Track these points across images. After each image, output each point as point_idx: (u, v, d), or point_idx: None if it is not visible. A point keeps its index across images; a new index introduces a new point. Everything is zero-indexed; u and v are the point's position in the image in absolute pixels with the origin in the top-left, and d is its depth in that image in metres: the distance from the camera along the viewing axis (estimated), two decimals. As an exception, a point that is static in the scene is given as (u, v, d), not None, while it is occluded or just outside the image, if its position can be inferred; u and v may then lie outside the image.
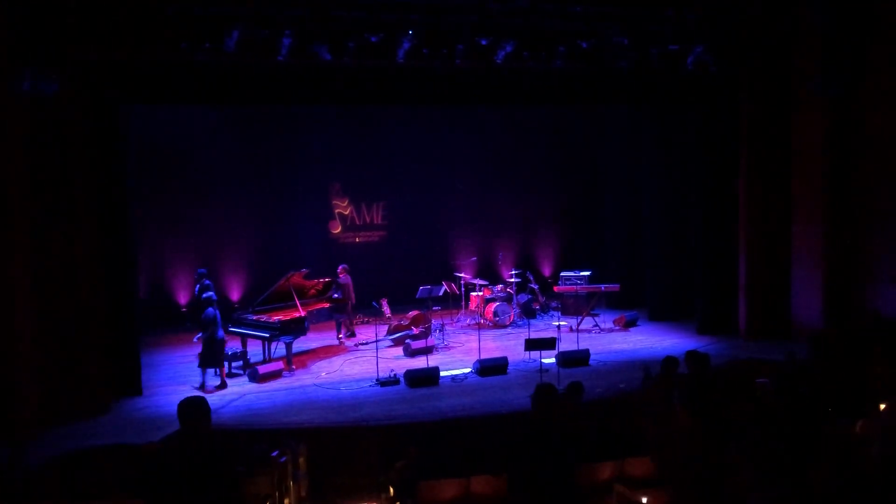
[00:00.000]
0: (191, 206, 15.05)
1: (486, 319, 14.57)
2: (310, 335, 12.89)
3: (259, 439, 8.60)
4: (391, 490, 7.97)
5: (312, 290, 13.03)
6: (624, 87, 12.70)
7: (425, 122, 16.29)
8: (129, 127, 11.23)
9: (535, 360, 11.33)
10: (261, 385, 11.04)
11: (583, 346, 12.17)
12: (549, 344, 10.96)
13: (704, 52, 11.64)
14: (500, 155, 17.11)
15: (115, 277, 10.46)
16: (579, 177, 17.48)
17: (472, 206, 17.06)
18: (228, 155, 15.25)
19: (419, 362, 11.61)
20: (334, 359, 12.54)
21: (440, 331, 13.48)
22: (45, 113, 9.33)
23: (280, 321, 11.71)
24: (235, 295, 15.27)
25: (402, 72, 11.29)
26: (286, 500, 8.13)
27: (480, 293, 14.94)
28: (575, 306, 15.03)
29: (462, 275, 15.07)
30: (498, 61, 11.00)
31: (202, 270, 12.99)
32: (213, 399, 9.63)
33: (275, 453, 8.09)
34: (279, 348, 12.08)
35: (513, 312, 14.69)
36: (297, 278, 12.46)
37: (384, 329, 13.46)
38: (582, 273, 15.03)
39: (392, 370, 11.23)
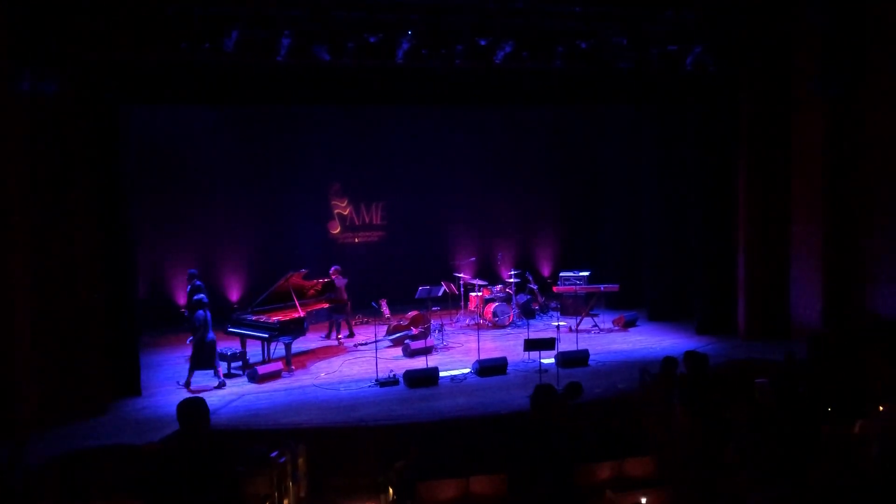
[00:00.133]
0: (190, 206, 15.03)
1: (486, 320, 14.57)
2: (309, 336, 12.90)
3: (258, 440, 8.60)
4: (390, 490, 7.97)
5: (311, 291, 13.02)
6: (623, 87, 12.71)
7: (424, 123, 16.28)
8: (129, 127, 11.23)
9: (534, 361, 11.33)
10: (260, 385, 11.04)
11: (582, 346, 12.17)
12: (548, 344, 10.96)
13: (704, 52, 11.64)
14: (500, 155, 17.10)
15: (114, 277, 10.46)
16: (578, 177, 17.47)
17: (471, 207, 17.04)
18: (228, 155, 15.23)
19: (418, 363, 11.61)
20: (333, 359, 12.54)
21: (439, 331, 13.48)
22: (45, 113, 9.33)
23: (279, 321, 11.70)
24: (234, 295, 15.26)
25: (401, 72, 11.29)
26: (285, 501, 8.14)
27: (479, 293, 14.94)
28: (574, 306, 15.02)
29: (461, 275, 15.07)
30: (497, 61, 11.00)
31: (193, 271, 12.96)
32: (213, 399, 9.62)
33: (274, 454, 8.09)
34: (278, 349, 12.08)
35: (512, 313, 14.69)
36: (296, 279, 12.46)
37: (383, 329, 13.46)
38: (581, 273, 15.03)
39: (391, 370, 11.23)
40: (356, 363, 12.20)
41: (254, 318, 11.99)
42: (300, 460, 8.55)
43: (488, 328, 14.38)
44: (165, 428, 8.89)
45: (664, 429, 7.73)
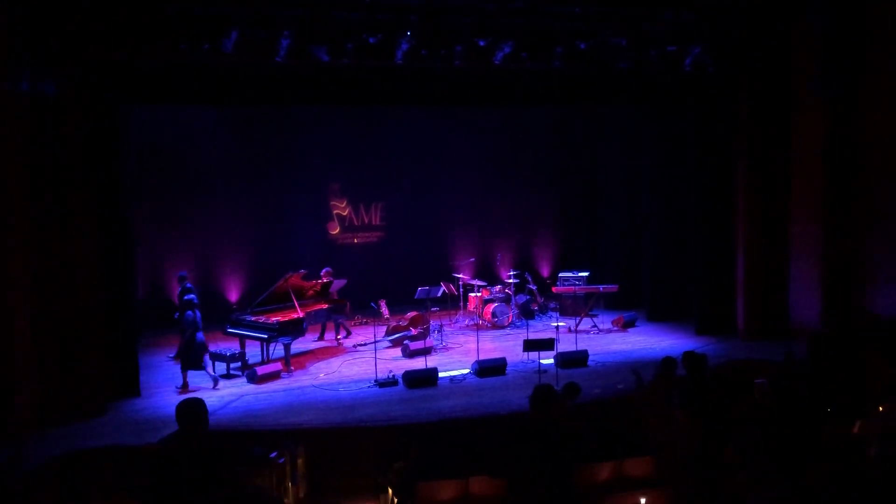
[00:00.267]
0: (190, 206, 15.04)
1: (485, 320, 14.57)
2: (308, 336, 12.90)
3: (258, 440, 8.60)
4: (390, 491, 7.98)
5: (311, 292, 13.02)
6: (622, 87, 12.71)
7: (424, 123, 16.28)
8: (128, 127, 11.23)
9: (533, 361, 11.32)
10: (259, 386, 11.03)
11: (581, 346, 12.17)
12: (547, 345, 10.95)
13: (703, 52, 11.64)
14: (499, 155, 17.10)
15: (114, 277, 10.46)
16: (578, 177, 17.47)
17: (470, 207, 17.05)
18: (227, 155, 15.24)
19: (418, 363, 11.59)
20: (333, 360, 12.53)
21: (439, 332, 13.48)
22: (45, 113, 9.33)
23: (278, 322, 11.70)
24: (234, 296, 15.27)
25: (400, 72, 11.28)
26: (285, 501, 8.14)
27: (479, 294, 14.93)
28: (573, 307, 15.03)
29: (460, 275, 15.06)
30: (496, 62, 11.00)
31: (183, 273, 12.97)
32: (212, 400, 9.61)
33: (273, 454, 8.10)
34: (277, 349, 12.08)
35: (511, 313, 14.69)
36: (295, 279, 12.45)
37: (383, 330, 13.46)
38: (580, 273, 15.03)
39: (390, 371, 11.23)
40: (355, 364, 12.19)
41: (253, 318, 11.98)
42: (299, 461, 8.55)
43: (487, 329, 14.38)
44: (165, 428, 8.87)
45: (664, 429, 7.73)
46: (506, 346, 13.00)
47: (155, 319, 14.26)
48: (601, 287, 14.55)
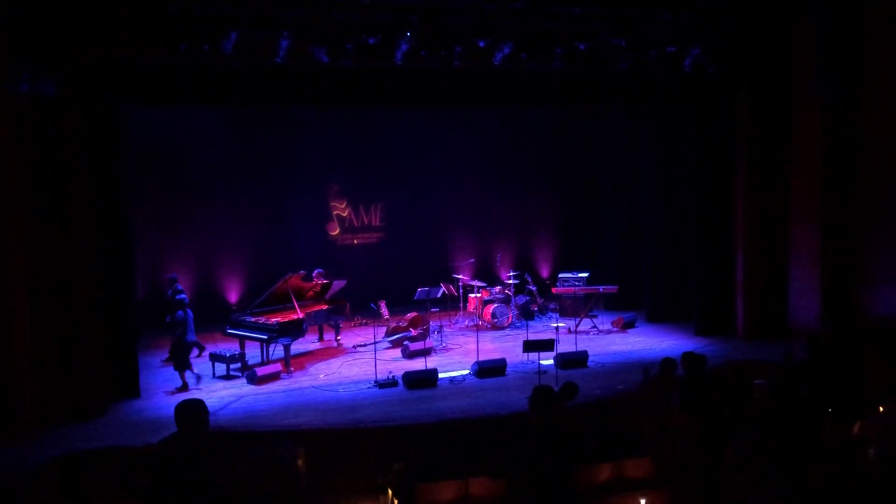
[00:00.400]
0: (190, 207, 15.04)
1: (485, 321, 14.57)
2: (308, 337, 12.89)
3: (257, 441, 8.60)
4: (389, 492, 7.97)
5: (310, 292, 13.02)
6: (622, 88, 12.71)
7: (423, 124, 16.28)
8: (128, 127, 11.22)
9: (533, 362, 11.32)
10: (259, 387, 11.02)
11: (581, 347, 12.17)
12: (547, 345, 10.95)
13: (702, 53, 11.64)
14: (499, 155, 17.09)
15: (113, 278, 10.46)
16: (578, 178, 17.47)
17: (470, 208, 17.04)
18: (227, 155, 15.23)
19: (417, 364, 11.59)
20: (332, 361, 12.53)
21: (438, 332, 13.48)
22: (44, 113, 9.34)
23: (278, 323, 11.70)
24: (233, 296, 15.26)
25: (400, 73, 11.29)
26: (285, 502, 8.12)
27: (479, 295, 14.93)
28: (573, 308, 15.02)
29: (460, 276, 15.06)
30: (496, 62, 11.00)
31: (173, 275, 12.98)
32: (212, 401, 9.61)
33: (273, 455, 8.07)
34: (277, 350, 12.08)
35: (511, 314, 14.69)
36: (295, 280, 12.45)
37: (382, 331, 13.46)
38: (580, 274, 15.03)
39: (390, 372, 11.23)
40: (355, 364, 12.19)
41: (253, 319, 11.98)
42: (299, 462, 8.53)
43: (487, 329, 14.37)
44: (164, 430, 8.87)
45: (663, 430, 7.73)
46: (505, 346, 13.00)
47: (155, 319, 14.21)
48: (601, 288, 14.55)
